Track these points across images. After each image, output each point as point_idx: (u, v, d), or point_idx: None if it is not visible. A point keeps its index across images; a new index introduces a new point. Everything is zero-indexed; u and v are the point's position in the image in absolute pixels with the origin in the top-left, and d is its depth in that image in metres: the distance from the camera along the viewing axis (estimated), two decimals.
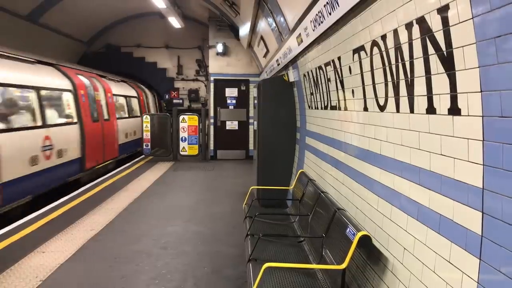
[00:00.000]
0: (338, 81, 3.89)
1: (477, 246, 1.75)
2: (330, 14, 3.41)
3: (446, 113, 1.99)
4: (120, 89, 12.60)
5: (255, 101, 6.86)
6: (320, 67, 4.46)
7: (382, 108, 2.87)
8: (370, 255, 2.92)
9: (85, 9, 13.10)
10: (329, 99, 4.37)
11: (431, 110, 2.15)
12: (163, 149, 11.86)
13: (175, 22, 12.37)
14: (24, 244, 4.79)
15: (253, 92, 8.07)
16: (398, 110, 2.60)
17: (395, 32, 2.46)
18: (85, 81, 9.52)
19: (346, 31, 3.33)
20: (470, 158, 1.81)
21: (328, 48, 3.98)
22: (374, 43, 2.81)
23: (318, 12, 3.70)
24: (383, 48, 2.68)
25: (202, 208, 6.63)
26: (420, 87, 2.25)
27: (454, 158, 1.95)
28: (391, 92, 2.67)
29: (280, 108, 6.47)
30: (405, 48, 2.36)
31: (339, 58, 3.70)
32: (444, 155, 2.04)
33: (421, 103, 2.26)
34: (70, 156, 8.09)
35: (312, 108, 5.32)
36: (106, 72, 12.69)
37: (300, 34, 4.77)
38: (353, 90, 3.49)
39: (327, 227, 3.38)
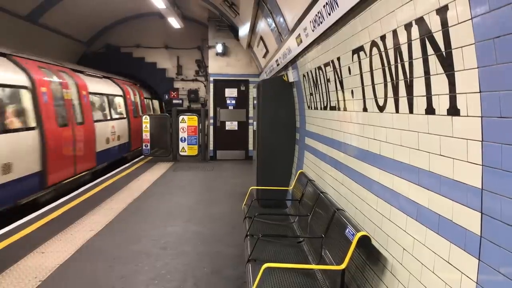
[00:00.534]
0: (337, 81, 3.89)
1: (476, 247, 1.75)
2: (329, 14, 3.41)
3: (445, 113, 1.99)
4: (101, 87, 10.97)
5: (255, 102, 6.86)
6: (319, 68, 4.46)
7: (381, 109, 2.87)
8: (370, 255, 2.92)
9: (85, 9, 13.09)
10: (328, 99, 4.37)
11: (430, 110, 2.15)
12: (162, 149, 11.86)
13: (174, 22, 12.37)
14: (24, 244, 4.79)
15: (253, 92, 8.08)
16: (397, 111, 2.60)
17: (394, 32, 2.46)
18: (50, 76, 7.72)
19: (346, 31, 3.33)
20: (469, 159, 1.81)
21: (327, 48, 3.98)
22: (374, 44, 2.81)
23: (318, 13, 3.71)
24: (382, 49, 2.68)
25: (201, 209, 6.63)
26: (419, 87, 2.25)
27: (453, 158, 1.95)
28: (390, 93, 2.68)
29: (280, 109, 6.47)
30: (404, 49, 2.36)
31: (338, 59, 3.70)
32: (443, 156, 2.04)
33: (420, 103, 2.26)
34: (21, 173, 6.30)
35: (311, 108, 5.32)
36: (106, 72, 12.66)
37: (299, 35, 4.77)
38: (352, 91, 3.50)
39: (327, 227, 3.38)
